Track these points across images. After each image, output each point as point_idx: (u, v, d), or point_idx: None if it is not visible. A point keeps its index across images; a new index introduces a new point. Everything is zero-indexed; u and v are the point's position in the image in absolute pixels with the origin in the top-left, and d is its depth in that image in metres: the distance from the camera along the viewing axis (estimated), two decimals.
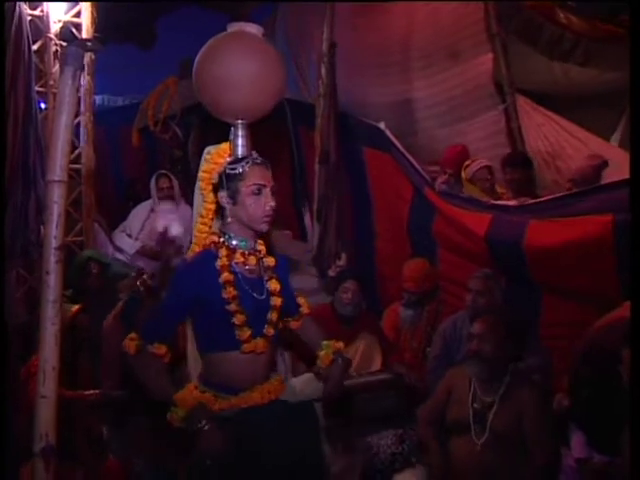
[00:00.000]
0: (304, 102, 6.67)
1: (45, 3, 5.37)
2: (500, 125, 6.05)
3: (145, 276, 4.20)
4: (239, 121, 2.69)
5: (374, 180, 5.98)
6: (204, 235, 2.68)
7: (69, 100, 2.22)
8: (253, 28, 2.68)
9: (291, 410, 2.67)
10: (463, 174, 5.58)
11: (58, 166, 2.26)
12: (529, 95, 6.05)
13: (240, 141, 2.67)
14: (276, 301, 2.61)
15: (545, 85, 6.33)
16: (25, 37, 5.07)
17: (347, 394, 4.13)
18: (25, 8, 5.14)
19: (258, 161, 2.56)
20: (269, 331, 2.59)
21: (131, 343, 2.46)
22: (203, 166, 2.69)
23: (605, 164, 5.12)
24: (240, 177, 2.53)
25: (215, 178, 2.60)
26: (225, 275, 2.51)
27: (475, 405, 3.56)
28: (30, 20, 5.21)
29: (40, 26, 5.36)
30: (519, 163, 5.33)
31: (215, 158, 2.66)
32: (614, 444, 3.28)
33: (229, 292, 2.50)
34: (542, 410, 3.52)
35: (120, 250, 6.19)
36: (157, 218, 6.25)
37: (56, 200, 2.29)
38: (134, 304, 4.12)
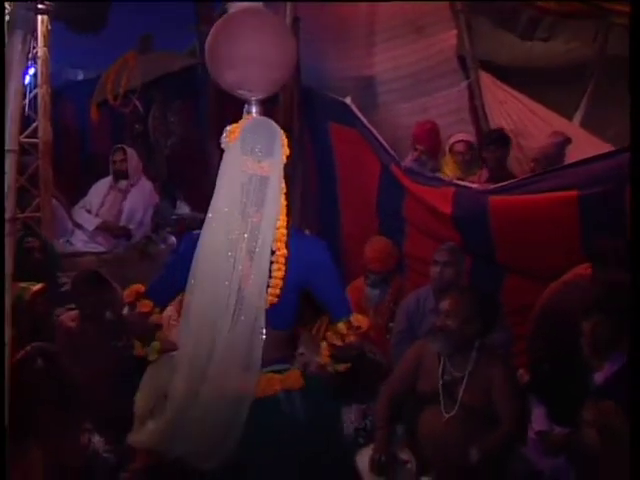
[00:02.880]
0: None
1: None
2: (463, 101, 6.05)
3: None
4: (253, 98, 2.64)
5: (340, 155, 5.92)
6: None
7: (18, 65, 2.14)
8: (254, 4, 2.67)
9: None
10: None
11: (8, 134, 2.17)
12: (492, 71, 6.05)
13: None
14: None
15: (508, 61, 6.34)
16: None
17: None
18: None
19: None
20: None
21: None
22: (284, 149, 2.57)
23: (568, 141, 5.15)
24: None
25: None
26: None
27: (445, 377, 3.57)
28: None
29: None
30: (502, 140, 5.34)
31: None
32: (574, 416, 3.32)
33: None
34: (510, 382, 3.56)
35: (79, 226, 6.10)
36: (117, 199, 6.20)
37: (6, 170, 2.20)
38: None
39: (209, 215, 2.51)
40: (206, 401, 2.50)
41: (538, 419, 3.58)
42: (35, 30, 5.06)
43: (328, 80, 6.35)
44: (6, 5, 5.05)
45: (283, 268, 2.55)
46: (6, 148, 2.16)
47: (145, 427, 2.68)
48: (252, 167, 2.49)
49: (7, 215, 2.18)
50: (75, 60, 8.39)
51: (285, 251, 2.55)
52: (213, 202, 2.51)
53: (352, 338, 2.62)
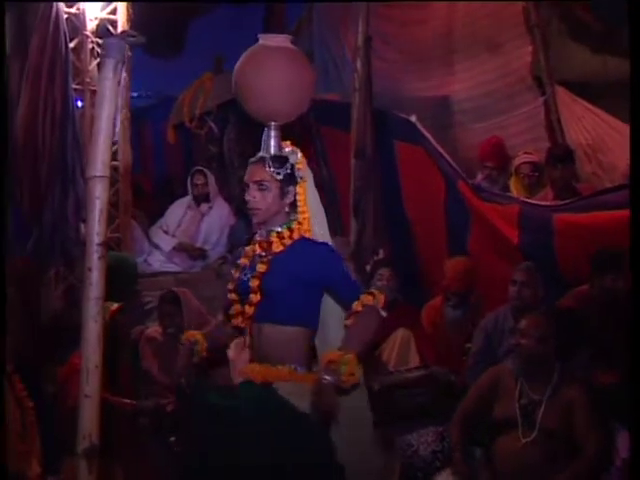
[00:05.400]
0: (329, 101, 6.57)
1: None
2: (540, 118, 5.98)
3: None
4: (272, 123, 2.81)
5: (406, 174, 5.89)
6: None
7: (110, 93, 2.19)
8: (282, 39, 2.88)
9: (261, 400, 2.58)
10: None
11: (99, 161, 2.23)
12: (568, 87, 5.95)
13: (273, 141, 2.80)
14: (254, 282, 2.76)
15: (584, 76, 6.22)
16: (62, 35, 5.11)
17: (386, 391, 4.11)
18: (62, 6, 5.18)
19: (253, 160, 2.82)
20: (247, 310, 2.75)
21: None
22: None
23: None
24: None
25: None
26: None
27: (522, 401, 3.49)
28: (67, 18, 5.26)
29: (76, 24, 5.39)
30: (568, 158, 5.20)
31: None
32: None
33: None
34: (593, 406, 3.43)
35: (156, 246, 6.19)
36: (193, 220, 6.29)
37: (98, 196, 2.26)
38: None
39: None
40: None
41: (623, 446, 3.46)
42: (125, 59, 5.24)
43: (401, 99, 6.35)
44: (90, 35, 5.28)
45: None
46: (98, 175, 2.23)
47: None
48: None
49: (99, 239, 2.24)
50: (152, 83, 8.64)
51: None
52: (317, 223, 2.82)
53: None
